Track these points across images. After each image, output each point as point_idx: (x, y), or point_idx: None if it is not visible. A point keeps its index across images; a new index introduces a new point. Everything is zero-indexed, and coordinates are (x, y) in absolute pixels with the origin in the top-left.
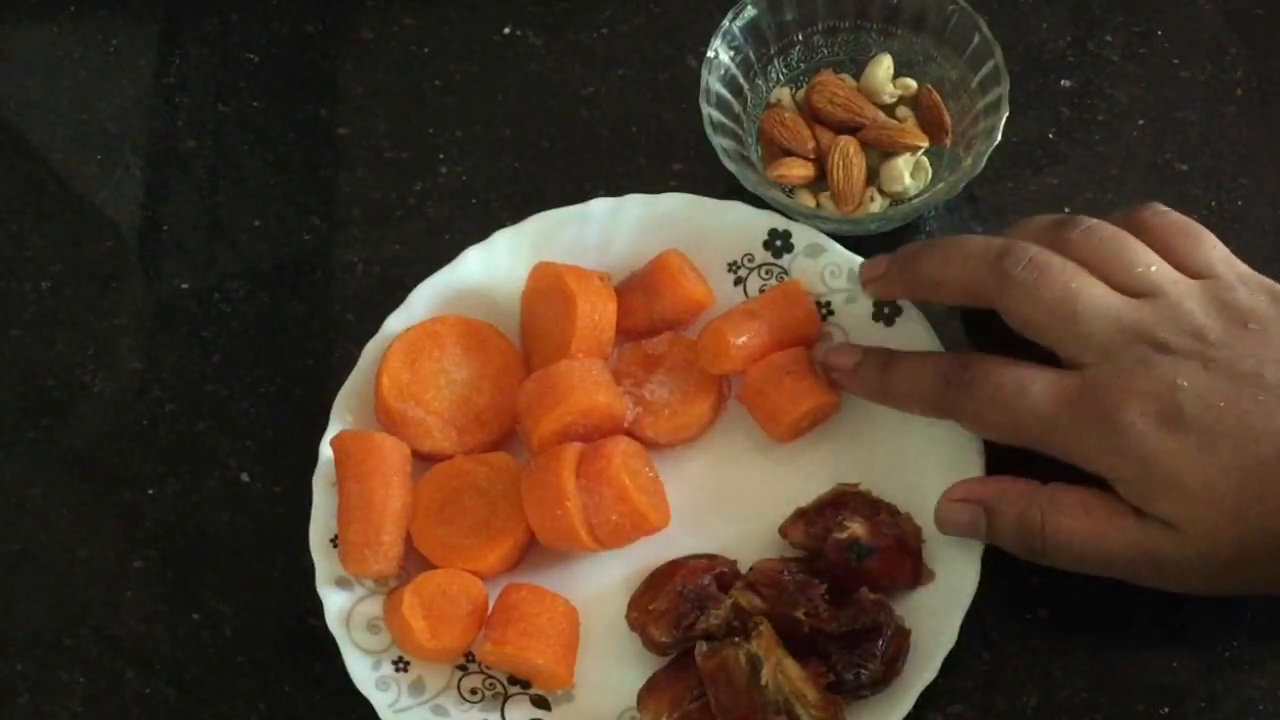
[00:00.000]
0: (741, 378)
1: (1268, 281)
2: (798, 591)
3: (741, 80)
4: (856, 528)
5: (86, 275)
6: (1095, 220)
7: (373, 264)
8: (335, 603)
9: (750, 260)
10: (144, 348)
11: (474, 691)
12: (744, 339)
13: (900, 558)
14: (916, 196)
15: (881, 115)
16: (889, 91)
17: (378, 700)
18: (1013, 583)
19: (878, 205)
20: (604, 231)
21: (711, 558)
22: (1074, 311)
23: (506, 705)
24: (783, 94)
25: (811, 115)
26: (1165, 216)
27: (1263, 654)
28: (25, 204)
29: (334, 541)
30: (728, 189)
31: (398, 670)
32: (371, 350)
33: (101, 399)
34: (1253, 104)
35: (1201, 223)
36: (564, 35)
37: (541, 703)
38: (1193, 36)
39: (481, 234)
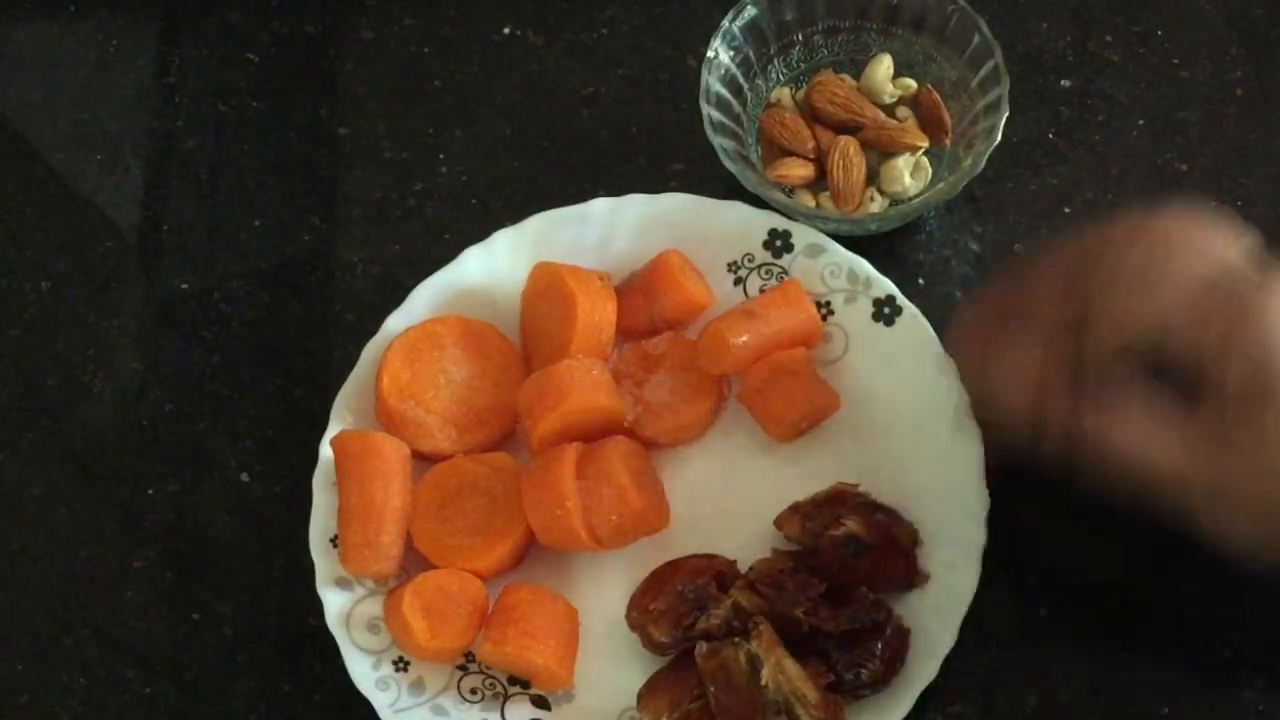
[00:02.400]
0: (741, 378)
1: None
2: (797, 591)
3: (741, 80)
4: (853, 525)
5: (86, 275)
6: None
7: (373, 264)
8: (335, 603)
9: (750, 260)
10: (144, 348)
11: (474, 691)
12: (744, 339)
13: (894, 558)
14: (916, 196)
15: (881, 115)
16: (889, 91)
17: (378, 700)
18: (1013, 583)
19: (878, 205)
20: (604, 231)
21: (711, 558)
22: None
23: (506, 705)
24: (783, 94)
25: (811, 115)
26: None
27: (1263, 654)
28: (25, 204)
29: (334, 541)
30: (728, 189)
31: (398, 670)
32: (371, 350)
33: (101, 399)
34: (1253, 104)
35: None
36: (564, 35)
37: (541, 703)
38: (1193, 36)
39: (481, 234)
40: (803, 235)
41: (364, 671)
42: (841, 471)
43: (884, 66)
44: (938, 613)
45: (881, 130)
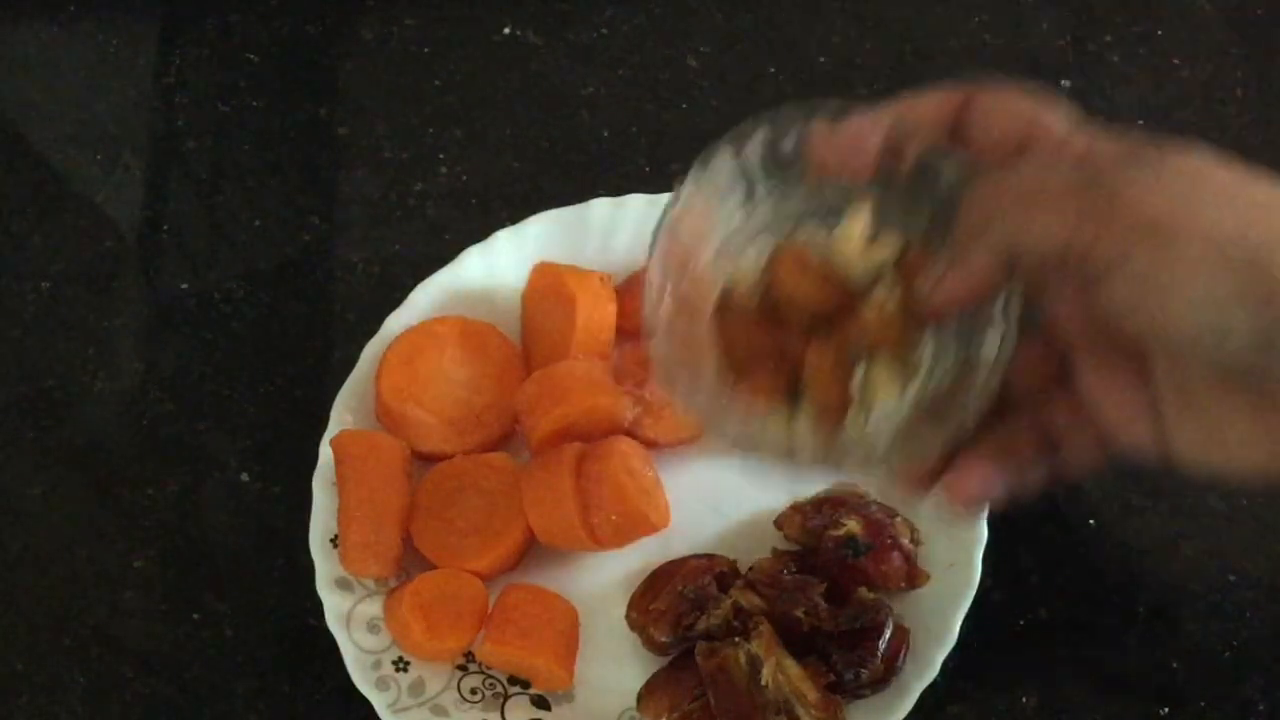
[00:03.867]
0: None
1: None
2: (797, 591)
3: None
4: (853, 525)
5: (86, 275)
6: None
7: (373, 264)
8: (335, 603)
9: None
10: (144, 348)
11: (474, 691)
12: None
13: (894, 558)
14: (922, 408)
15: (858, 297)
16: (866, 264)
17: (378, 700)
18: (1013, 583)
19: (865, 421)
20: (604, 231)
21: (711, 558)
22: None
23: (506, 705)
24: (740, 278)
25: (773, 311)
26: None
27: (1263, 654)
28: (25, 204)
29: (334, 541)
30: None
31: (398, 670)
32: (371, 350)
33: (101, 399)
34: (1253, 104)
35: None
36: (564, 35)
37: (541, 703)
38: (1193, 36)
39: (481, 234)
40: None
41: (364, 671)
42: (841, 472)
43: (860, 226)
44: (938, 613)
45: (866, 326)
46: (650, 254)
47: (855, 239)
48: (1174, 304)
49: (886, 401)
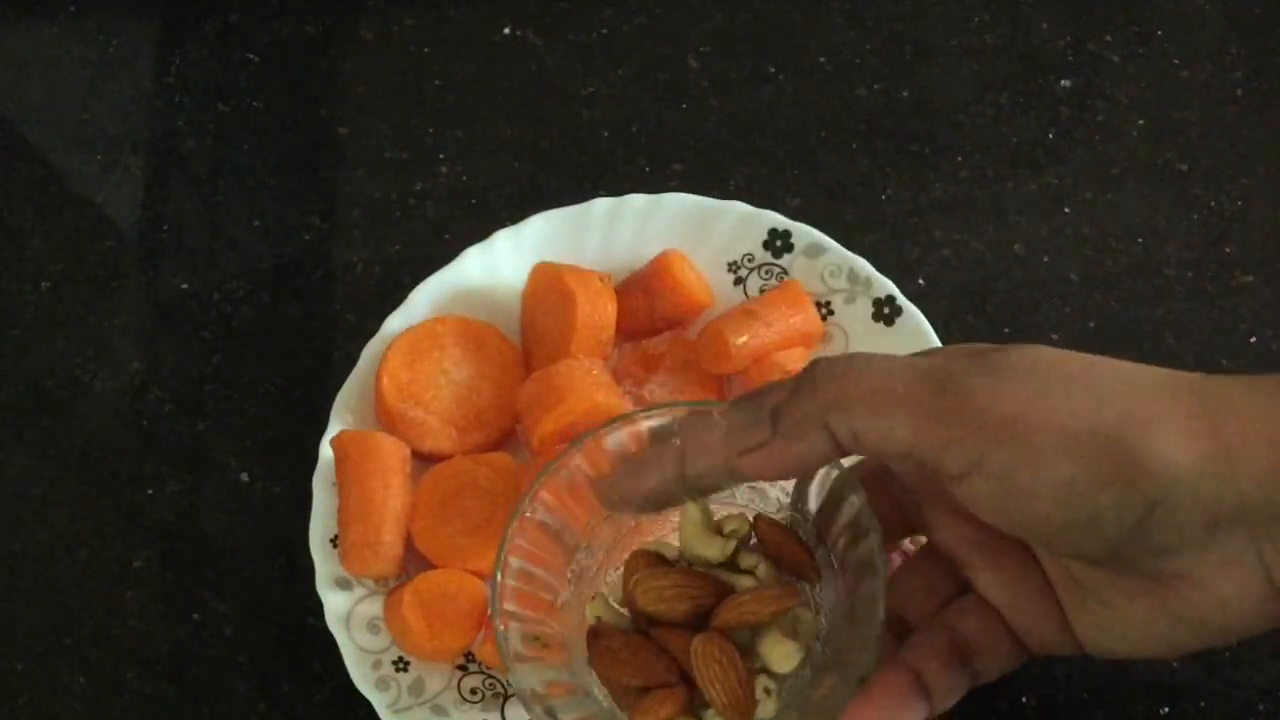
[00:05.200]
0: (741, 378)
1: None
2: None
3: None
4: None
5: (86, 275)
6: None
7: (373, 264)
8: (335, 603)
9: (750, 260)
10: (144, 348)
11: (474, 691)
12: (744, 339)
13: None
14: (816, 661)
15: (725, 577)
16: (718, 548)
17: (378, 700)
18: None
19: (775, 699)
20: (604, 231)
21: None
22: None
23: (506, 705)
24: (599, 609)
25: (645, 622)
26: None
27: (1262, 654)
28: (25, 204)
29: (334, 541)
30: (728, 189)
31: (398, 670)
32: (371, 350)
33: (101, 399)
34: (1253, 104)
35: (1201, 222)
36: (564, 35)
37: None
38: (1193, 36)
39: (481, 234)
40: (803, 235)
41: (364, 671)
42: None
43: (697, 517)
44: None
45: (740, 605)
46: (492, 603)
47: (699, 525)
48: (1037, 500)
49: (790, 671)
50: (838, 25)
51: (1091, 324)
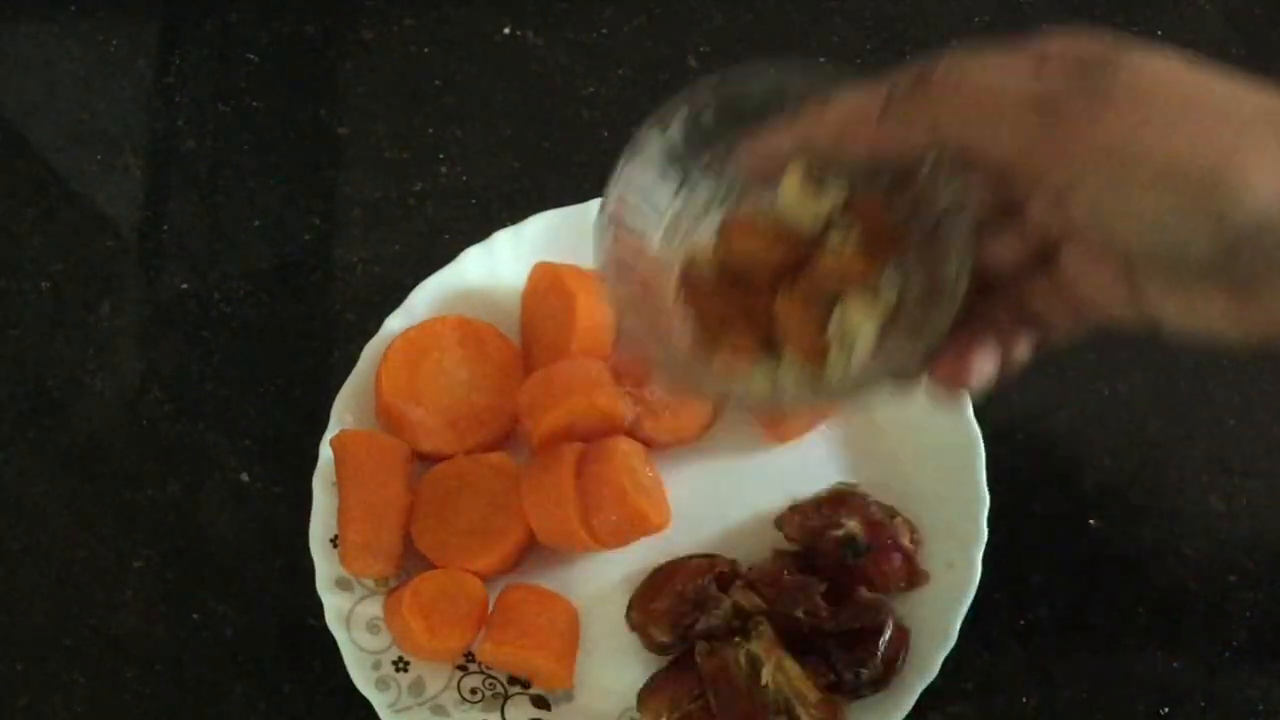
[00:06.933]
0: None
1: None
2: (797, 591)
3: (646, 248)
4: (853, 525)
5: (86, 275)
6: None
7: (373, 264)
8: (335, 603)
9: None
10: (144, 348)
11: (474, 691)
12: None
13: (894, 558)
14: (891, 329)
15: (816, 242)
16: (813, 211)
17: (378, 700)
18: (1013, 583)
19: (847, 358)
20: None
21: (711, 558)
22: None
23: (506, 705)
24: (696, 253)
25: (735, 277)
26: None
27: (1263, 654)
28: (25, 204)
29: (334, 541)
30: None
31: (398, 670)
32: (371, 350)
33: (101, 399)
34: None
35: None
36: (564, 35)
37: (541, 703)
38: (1193, 36)
39: (481, 234)
40: None
41: (364, 671)
42: (841, 471)
43: (797, 180)
44: (938, 613)
45: (826, 268)
46: (597, 248)
47: (796, 192)
48: (1129, 225)
49: (865, 334)
50: (838, 25)
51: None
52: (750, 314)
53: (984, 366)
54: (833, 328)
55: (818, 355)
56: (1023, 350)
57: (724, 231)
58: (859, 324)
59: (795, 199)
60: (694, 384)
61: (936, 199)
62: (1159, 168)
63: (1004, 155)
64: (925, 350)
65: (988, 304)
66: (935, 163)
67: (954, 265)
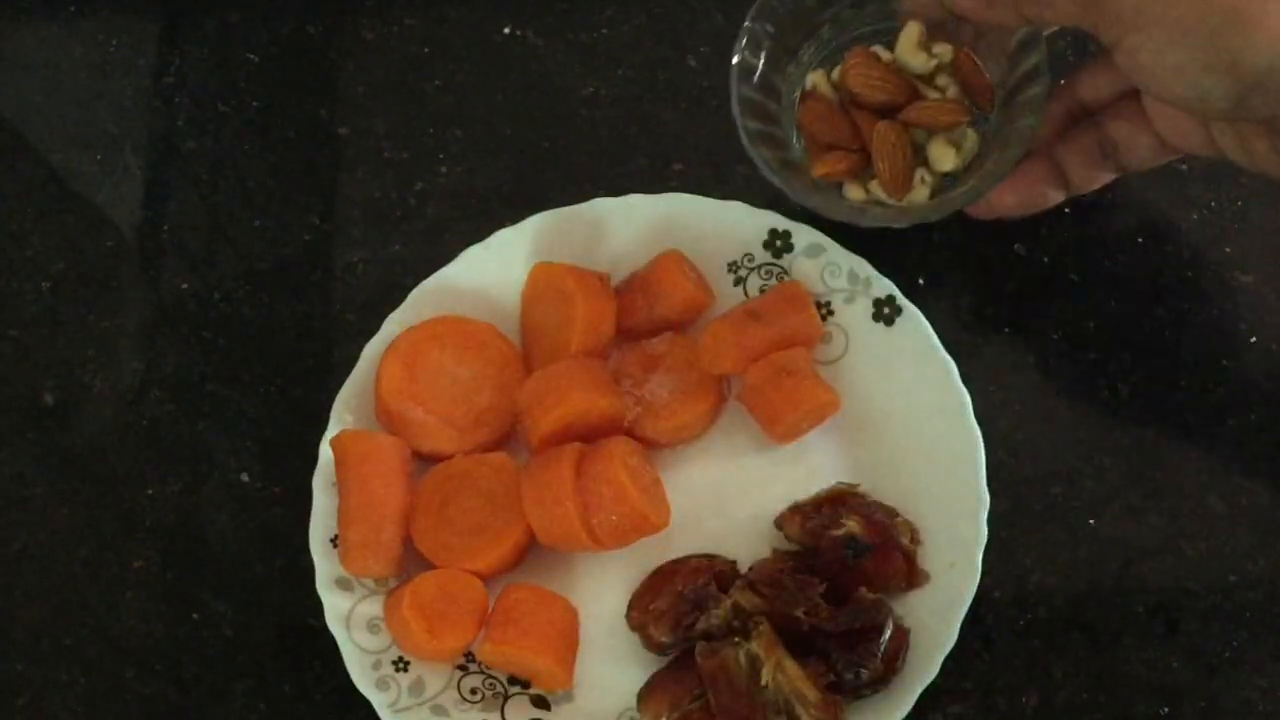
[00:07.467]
0: (741, 378)
1: None
2: (797, 590)
3: (773, 76)
4: (853, 525)
5: (86, 275)
6: None
7: (373, 264)
8: (335, 603)
9: (750, 260)
10: (144, 348)
11: (474, 691)
12: (744, 339)
13: (894, 558)
14: (967, 171)
15: (921, 88)
16: (923, 62)
17: (378, 700)
18: (1013, 583)
19: (928, 188)
20: (604, 231)
21: (711, 558)
22: None
23: (506, 705)
24: (818, 79)
25: (849, 100)
26: None
27: (1263, 654)
28: (25, 204)
29: (334, 541)
30: (728, 189)
31: (398, 670)
32: (371, 350)
33: (101, 399)
34: None
35: (1201, 223)
36: (564, 35)
37: (541, 703)
38: None
39: (481, 234)
40: (803, 235)
41: (364, 671)
42: (841, 471)
43: (914, 34)
44: (938, 613)
45: (923, 109)
46: (734, 73)
47: (913, 45)
48: (1158, 77)
49: (947, 170)
50: None
51: (1091, 324)
52: (852, 136)
53: (1046, 198)
54: (921, 159)
55: (904, 180)
56: (1094, 179)
57: (846, 65)
58: (941, 157)
59: (910, 50)
60: (792, 190)
61: (1021, 66)
62: (1175, 26)
63: (1061, 19)
64: (994, 183)
65: (1059, 142)
66: (1022, 38)
67: (1029, 120)
